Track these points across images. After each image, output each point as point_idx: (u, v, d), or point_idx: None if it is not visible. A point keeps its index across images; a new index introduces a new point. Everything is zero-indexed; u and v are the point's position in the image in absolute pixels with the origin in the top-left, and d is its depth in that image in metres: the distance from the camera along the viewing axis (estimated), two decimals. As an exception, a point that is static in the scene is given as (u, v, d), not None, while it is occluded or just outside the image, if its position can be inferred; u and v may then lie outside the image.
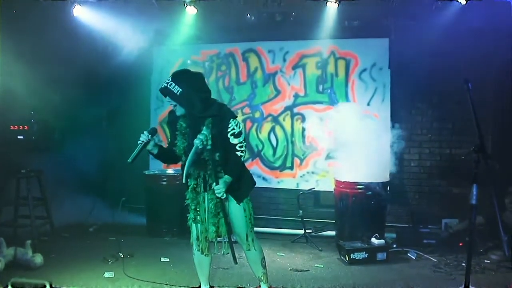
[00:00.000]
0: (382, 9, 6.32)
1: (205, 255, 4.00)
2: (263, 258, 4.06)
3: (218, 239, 3.97)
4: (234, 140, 3.73)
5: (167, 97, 3.66)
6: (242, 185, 3.85)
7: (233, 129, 3.72)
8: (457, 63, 6.00)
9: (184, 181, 3.74)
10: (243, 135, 3.78)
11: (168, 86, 3.62)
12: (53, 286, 4.39)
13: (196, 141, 3.60)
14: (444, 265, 5.27)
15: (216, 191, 3.67)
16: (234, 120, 3.75)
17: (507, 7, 5.38)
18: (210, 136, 3.64)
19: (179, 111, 3.72)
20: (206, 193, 3.85)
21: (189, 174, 3.74)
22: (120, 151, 7.03)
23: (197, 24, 6.81)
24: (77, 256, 5.57)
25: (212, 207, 3.83)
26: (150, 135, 3.69)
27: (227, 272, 5.07)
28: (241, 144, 3.75)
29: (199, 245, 3.96)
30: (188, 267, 5.22)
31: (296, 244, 6.28)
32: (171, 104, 3.71)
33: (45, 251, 5.46)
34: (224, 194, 3.68)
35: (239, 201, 3.84)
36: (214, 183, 3.69)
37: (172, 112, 3.85)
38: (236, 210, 3.87)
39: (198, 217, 3.90)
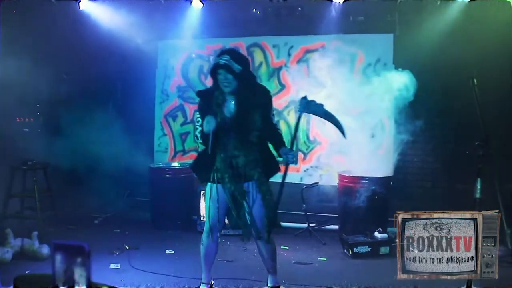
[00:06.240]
0: (387, 4, 6.35)
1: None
2: (275, 250, 4.09)
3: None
4: (274, 120, 3.98)
5: (221, 74, 3.73)
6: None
7: (273, 114, 4.00)
8: (461, 59, 6.02)
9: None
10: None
11: (228, 63, 3.72)
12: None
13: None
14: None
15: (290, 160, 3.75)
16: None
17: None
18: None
19: (230, 87, 3.77)
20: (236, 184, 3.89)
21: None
22: (125, 144, 7.10)
23: (202, 18, 6.84)
24: (83, 248, 5.62)
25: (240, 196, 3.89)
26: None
27: (231, 264, 5.12)
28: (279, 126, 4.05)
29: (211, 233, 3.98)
30: (193, 259, 5.27)
31: (299, 237, 6.33)
32: (224, 80, 3.75)
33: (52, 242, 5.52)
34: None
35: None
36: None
37: (204, 94, 3.95)
38: (261, 200, 3.91)
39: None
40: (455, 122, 6.55)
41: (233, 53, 3.86)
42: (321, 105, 3.83)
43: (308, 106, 3.81)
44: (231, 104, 3.83)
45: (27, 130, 6.65)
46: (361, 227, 5.82)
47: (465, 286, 3.39)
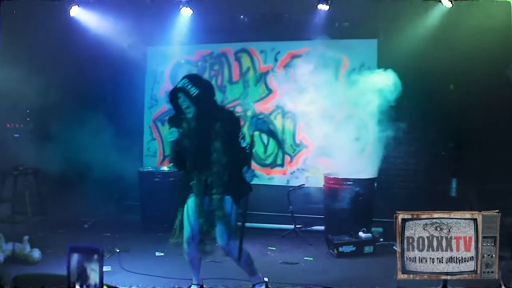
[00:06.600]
0: (372, 10, 6.49)
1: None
2: (248, 257, 4.20)
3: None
4: (243, 144, 3.93)
5: (181, 97, 3.80)
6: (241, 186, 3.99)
7: (244, 136, 3.95)
8: (443, 64, 6.19)
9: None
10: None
11: (185, 87, 3.78)
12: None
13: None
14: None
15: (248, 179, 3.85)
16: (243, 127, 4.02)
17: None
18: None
19: (191, 113, 3.84)
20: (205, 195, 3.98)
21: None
22: (114, 149, 7.17)
23: (191, 24, 6.95)
24: (74, 251, 5.69)
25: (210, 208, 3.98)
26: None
27: (219, 265, 5.21)
28: (248, 146, 3.96)
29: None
30: (182, 260, 5.34)
31: (286, 238, 6.45)
32: (183, 103, 3.82)
33: (42, 246, 5.57)
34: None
35: (236, 201, 3.99)
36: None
37: (173, 120, 3.98)
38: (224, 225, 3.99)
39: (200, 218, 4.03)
40: (437, 125, 6.69)
41: (192, 77, 3.94)
42: (265, 122, 4.04)
43: (256, 124, 3.96)
44: (195, 128, 3.88)
45: (17, 135, 6.70)
46: (346, 228, 5.96)
47: (441, 286, 3.51)
